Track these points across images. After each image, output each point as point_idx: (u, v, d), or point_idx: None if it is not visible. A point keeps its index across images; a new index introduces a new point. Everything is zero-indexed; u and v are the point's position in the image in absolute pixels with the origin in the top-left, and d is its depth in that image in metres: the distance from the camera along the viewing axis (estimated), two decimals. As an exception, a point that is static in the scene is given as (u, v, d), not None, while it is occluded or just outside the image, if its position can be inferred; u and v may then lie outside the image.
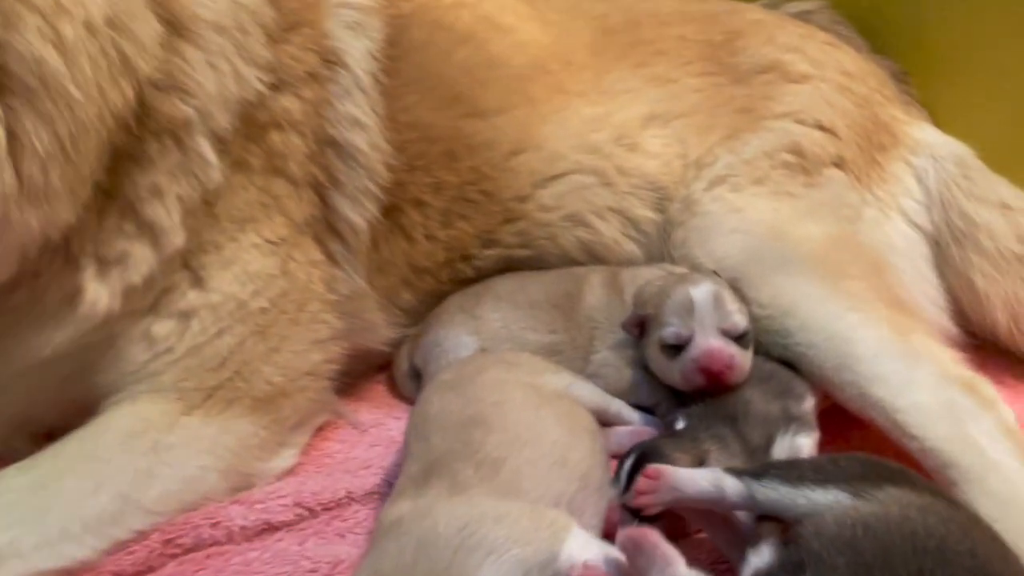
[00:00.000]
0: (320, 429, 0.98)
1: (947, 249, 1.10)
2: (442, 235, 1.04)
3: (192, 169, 0.83)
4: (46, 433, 0.88)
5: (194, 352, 0.84)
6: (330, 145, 0.94)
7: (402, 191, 1.01)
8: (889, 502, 0.61)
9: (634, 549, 0.59)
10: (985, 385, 0.87)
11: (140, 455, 0.78)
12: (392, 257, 1.02)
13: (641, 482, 0.68)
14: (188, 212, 0.83)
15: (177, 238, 0.82)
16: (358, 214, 0.97)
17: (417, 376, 1.05)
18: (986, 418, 0.81)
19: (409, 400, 1.04)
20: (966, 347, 1.05)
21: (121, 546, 0.75)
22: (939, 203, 1.11)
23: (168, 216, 0.82)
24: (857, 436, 0.94)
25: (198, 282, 0.86)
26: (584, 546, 0.62)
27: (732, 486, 0.67)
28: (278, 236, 0.91)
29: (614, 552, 0.64)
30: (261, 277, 0.88)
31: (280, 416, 0.89)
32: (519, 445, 0.71)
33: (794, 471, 0.68)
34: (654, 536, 0.60)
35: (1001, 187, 1.11)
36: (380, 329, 1.04)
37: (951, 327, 1.07)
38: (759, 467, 0.73)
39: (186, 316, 0.84)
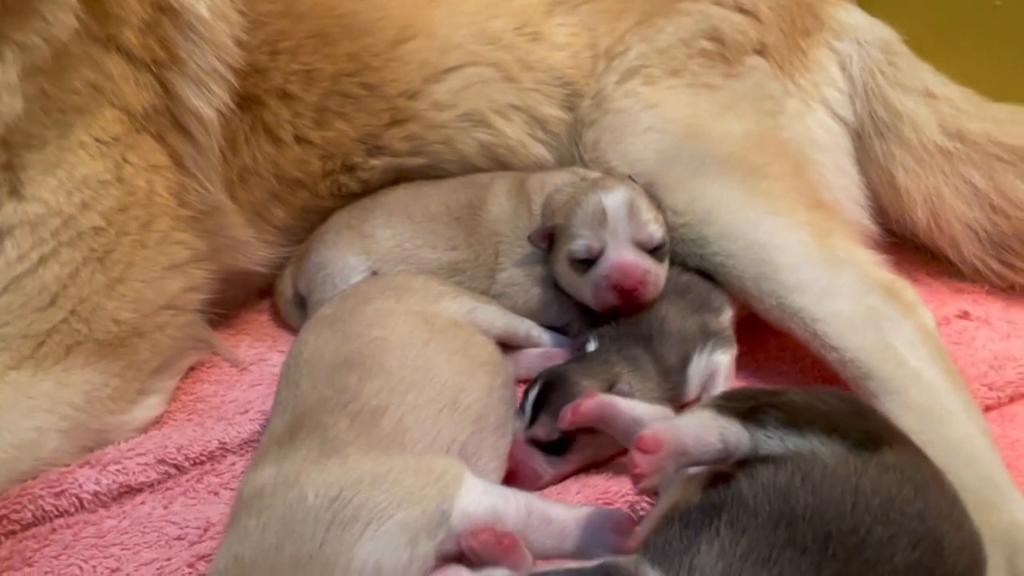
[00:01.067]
0: (191, 370, 0.87)
1: (869, 141, 1.04)
2: (316, 137, 0.90)
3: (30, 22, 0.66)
4: None
5: (15, 286, 0.70)
6: (166, 12, 0.77)
7: (263, 79, 0.86)
8: (880, 464, 0.53)
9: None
10: (905, 288, 0.83)
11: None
12: (256, 165, 0.87)
13: (636, 457, 0.54)
14: (26, 72, 0.67)
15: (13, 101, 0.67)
16: (205, 102, 0.81)
17: (303, 303, 0.94)
18: (906, 324, 0.77)
19: (296, 331, 0.93)
20: (883, 246, 1.02)
21: (-59, 528, 0.64)
22: (863, 93, 1.04)
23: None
24: (774, 346, 0.90)
25: (14, 190, 0.70)
26: (478, 499, 0.55)
27: (740, 437, 0.54)
28: (110, 134, 0.75)
29: (514, 501, 0.57)
30: (90, 185, 0.73)
31: (135, 360, 0.77)
32: (402, 390, 0.62)
33: (803, 415, 0.55)
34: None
35: (926, 74, 1.04)
36: (251, 248, 0.91)
37: (871, 225, 1.03)
38: (756, 407, 0.57)
39: None
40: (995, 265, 0.99)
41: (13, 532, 0.66)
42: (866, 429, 0.54)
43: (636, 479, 0.52)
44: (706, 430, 0.54)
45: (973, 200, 0.98)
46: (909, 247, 1.04)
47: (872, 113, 1.04)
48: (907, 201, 1.01)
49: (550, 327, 0.89)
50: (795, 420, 0.53)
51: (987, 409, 0.81)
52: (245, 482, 0.59)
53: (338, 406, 0.59)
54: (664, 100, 0.93)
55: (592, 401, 0.65)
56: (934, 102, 1.03)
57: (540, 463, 0.71)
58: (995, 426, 0.79)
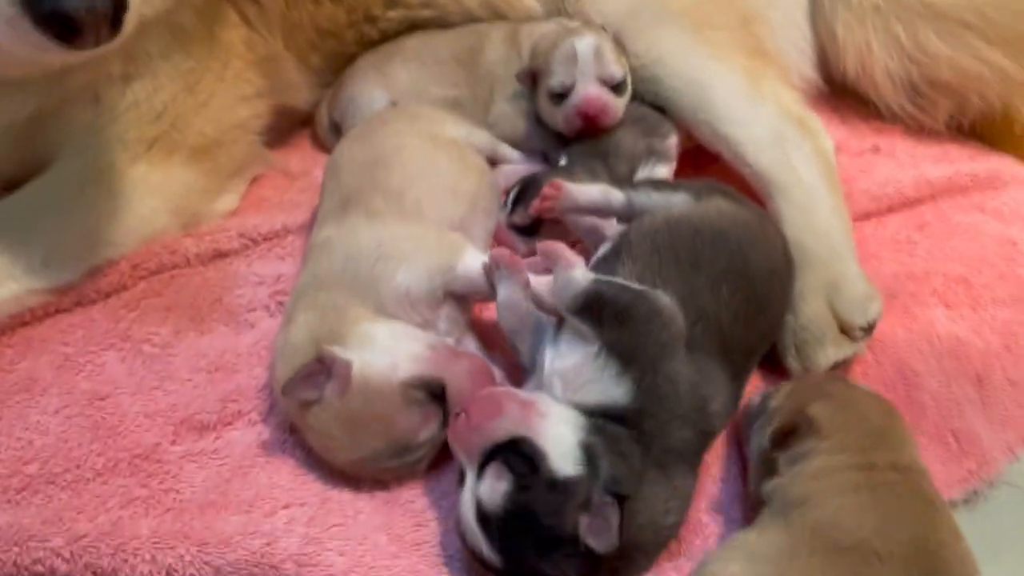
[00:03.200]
0: (255, 179, 1.12)
1: (821, 2, 1.21)
2: None
3: None
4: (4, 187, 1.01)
5: (134, 108, 0.95)
6: None
7: None
8: (710, 207, 0.80)
9: (547, 254, 0.75)
10: (813, 119, 1.04)
11: (100, 198, 0.92)
12: (300, 20, 1.08)
13: (546, 190, 0.84)
14: None
15: None
16: None
17: (337, 129, 1.18)
18: (806, 145, 0.98)
19: (330, 150, 1.18)
20: (822, 91, 1.22)
21: (96, 270, 0.92)
22: (818, -42, 1.20)
23: None
24: (710, 171, 1.12)
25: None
26: (475, 260, 0.80)
27: (616, 195, 0.84)
28: (205, 2, 0.98)
29: None
30: (190, 38, 0.96)
31: (216, 165, 1.03)
32: (417, 178, 0.87)
33: (662, 184, 0.88)
34: (558, 247, 0.75)
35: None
36: (300, 89, 1.14)
37: (812, 73, 1.22)
38: (637, 182, 0.92)
39: (127, 77, 0.93)
40: (909, 107, 1.18)
41: (144, 277, 0.94)
42: (706, 187, 0.81)
43: (544, 209, 0.83)
44: (594, 190, 0.84)
45: (895, 51, 1.16)
46: (840, 92, 1.24)
47: None
48: (843, 52, 1.19)
49: (531, 152, 1.13)
50: (658, 185, 0.79)
51: (868, 215, 1.05)
52: (313, 238, 0.85)
53: (373, 189, 0.84)
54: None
55: (552, 185, 0.89)
56: (876, -35, 1.19)
57: (516, 242, 0.96)
58: (874, 227, 1.04)
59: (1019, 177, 1.11)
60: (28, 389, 0.81)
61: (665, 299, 0.69)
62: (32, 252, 0.87)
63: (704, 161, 1.08)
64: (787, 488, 0.67)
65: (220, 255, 0.98)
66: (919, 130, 1.20)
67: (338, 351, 0.68)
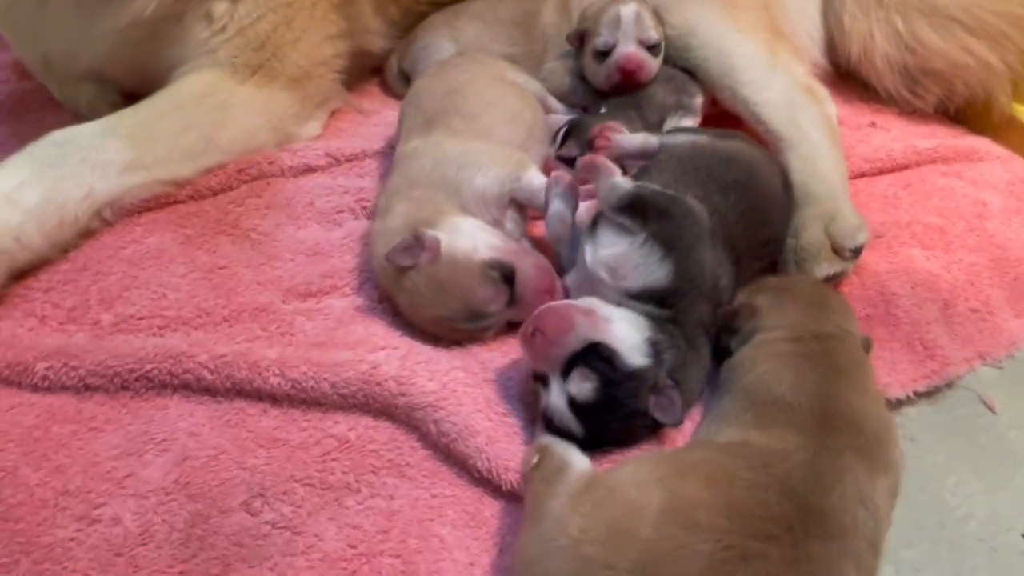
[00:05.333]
0: (333, 114, 1.29)
1: None
2: None
3: None
4: (121, 102, 1.17)
5: (241, 34, 1.11)
6: None
7: None
8: (729, 142, 0.98)
9: (590, 167, 0.91)
10: (819, 88, 1.21)
11: (213, 109, 1.08)
12: None
13: (599, 141, 1.01)
14: None
15: None
16: None
17: (405, 78, 1.35)
18: (812, 109, 1.16)
19: (398, 97, 1.35)
20: (829, 74, 1.39)
21: (207, 171, 1.08)
22: (832, -47, 1.37)
23: None
24: (729, 126, 1.29)
25: None
26: (536, 175, 0.97)
27: (653, 140, 1.01)
28: None
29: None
30: None
31: (307, 94, 1.19)
32: (487, 106, 1.03)
33: (690, 129, 1.08)
34: (601, 159, 0.92)
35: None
36: (376, 36, 1.31)
37: (820, 58, 1.39)
38: (669, 130, 1.11)
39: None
40: (903, 91, 1.36)
41: (246, 180, 1.10)
42: (727, 132, 1.00)
43: (597, 150, 0.98)
44: (637, 137, 1.00)
45: (894, 41, 1.34)
46: (843, 76, 1.41)
47: None
48: (847, 40, 1.37)
49: (573, 106, 1.29)
50: (686, 131, 0.99)
51: (862, 174, 1.22)
52: (400, 150, 1.01)
53: (452, 112, 1.01)
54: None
55: (603, 136, 1.05)
56: (882, -35, 1.36)
57: (563, 171, 1.13)
58: (866, 184, 1.21)
59: (993, 154, 1.28)
60: (158, 257, 0.97)
61: (694, 201, 0.85)
62: (159, 148, 1.03)
63: (727, 127, 1.25)
64: (733, 362, 0.82)
65: (310, 169, 1.14)
66: (911, 112, 1.37)
67: (430, 231, 0.84)
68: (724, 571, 0.59)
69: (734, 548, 0.60)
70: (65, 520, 0.69)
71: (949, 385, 0.96)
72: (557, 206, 0.94)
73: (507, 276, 0.85)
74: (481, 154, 0.95)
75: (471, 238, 0.85)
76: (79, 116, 1.22)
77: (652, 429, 0.79)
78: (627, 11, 1.18)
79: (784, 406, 0.74)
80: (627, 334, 0.77)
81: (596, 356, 0.75)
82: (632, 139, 1.02)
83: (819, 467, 0.68)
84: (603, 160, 0.91)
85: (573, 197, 0.94)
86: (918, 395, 0.93)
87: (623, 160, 1.04)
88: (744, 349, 0.83)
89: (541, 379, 0.77)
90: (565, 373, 0.75)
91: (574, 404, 0.74)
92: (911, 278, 1.04)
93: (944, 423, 0.93)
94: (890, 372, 0.92)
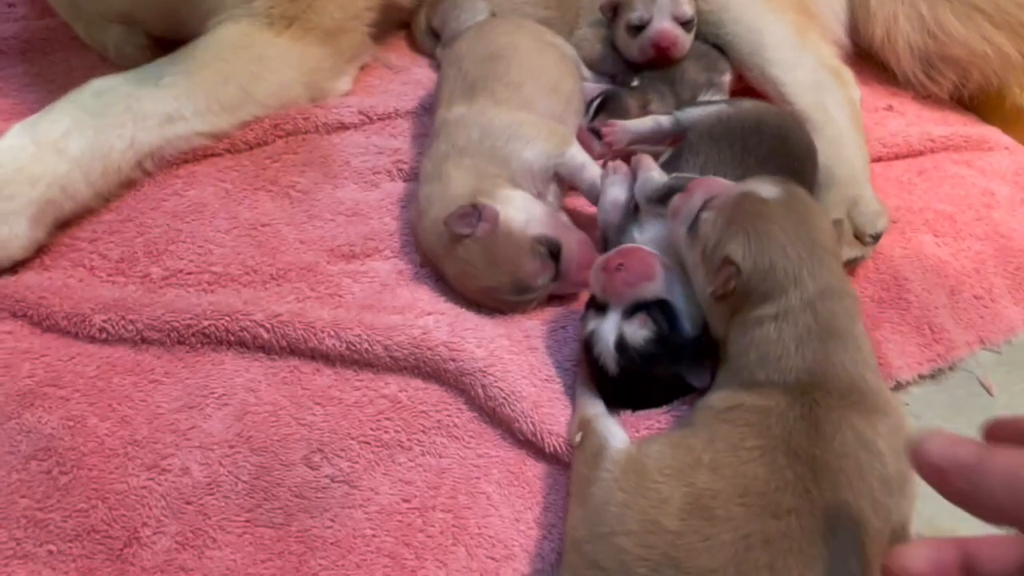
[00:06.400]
0: (362, 69, 1.29)
1: None
2: None
3: None
4: (153, 49, 1.16)
5: None
6: None
7: None
8: (747, 105, 1.01)
9: (636, 163, 0.94)
10: (846, 72, 1.24)
11: (250, 62, 1.08)
12: None
13: (606, 131, 1.04)
14: None
15: None
16: None
17: (434, 35, 1.34)
18: (839, 92, 1.19)
19: (426, 53, 1.35)
20: (850, 55, 1.41)
21: (243, 125, 1.08)
22: (861, -68, 1.38)
23: None
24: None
25: None
26: (579, 152, 0.99)
27: (664, 120, 1.04)
28: None
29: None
30: None
31: (339, 48, 1.19)
32: (529, 74, 1.04)
33: (700, 102, 1.10)
34: (646, 157, 0.95)
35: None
36: (406, -12, 1.30)
37: (844, 38, 1.41)
38: (679, 105, 1.12)
39: None
40: (922, 77, 1.39)
41: (281, 136, 1.10)
42: (738, 98, 1.05)
43: (606, 138, 1.01)
44: (645, 121, 1.03)
45: (917, 25, 1.36)
46: (868, 59, 1.44)
47: None
48: (872, 22, 1.39)
49: (603, 74, 1.30)
50: (697, 103, 1.03)
51: (879, 158, 1.26)
52: (444, 115, 1.01)
53: (496, 79, 1.01)
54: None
55: (608, 124, 1.06)
56: (911, -52, 1.38)
57: (593, 143, 1.15)
58: (882, 169, 1.25)
59: (1003, 144, 1.33)
60: (200, 212, 0.98)
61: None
62: (199, 99, 1.03)
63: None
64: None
65: (343, 127, 1.14)
66: (927, 97, 1.41)
67: (488, 202, 0.87)
68: (749, 559, 0.61)
69: (753, 534, 0.62)
70: (136, 469, 0.72)
71: (951, 367, 1.02)
72: (615, 193, 0.96)
73: (554, 252, 0.88)
74: (528, 126, 0.96)
75: (524, 212, 0.88)
76: (104, 57, 1.20)
77: (674, 393, 0.82)
78: (663, -15, 1.18)
79: (773, 373, 0.73)
80: (686, 304, 0.81)
81: (660, 311, 0.79)
82: (639, 124, 1.04)
83: (815, 420, 0.68)
84: (642, 157, 0.94)
85: (629, 187, 0.97)
86: (922, 376, 1.00)
87: (636, 144, 1.06)
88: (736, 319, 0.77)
89: (597, 307, 0.81)
90: (627, 314, 0.79)
91: (621, 345, 0.78)
92: (922, 263, 1.09)
93: (946, 402, 0.99)
94: (900, 355, 0.98)
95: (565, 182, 1.01)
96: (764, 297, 0.74)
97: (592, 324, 0.81)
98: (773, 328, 0.73)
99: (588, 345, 0.80)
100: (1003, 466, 0.45)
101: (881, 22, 1.38)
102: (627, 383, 0.80)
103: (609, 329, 0.79)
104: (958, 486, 0.46)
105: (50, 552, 0.66)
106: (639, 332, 0.78)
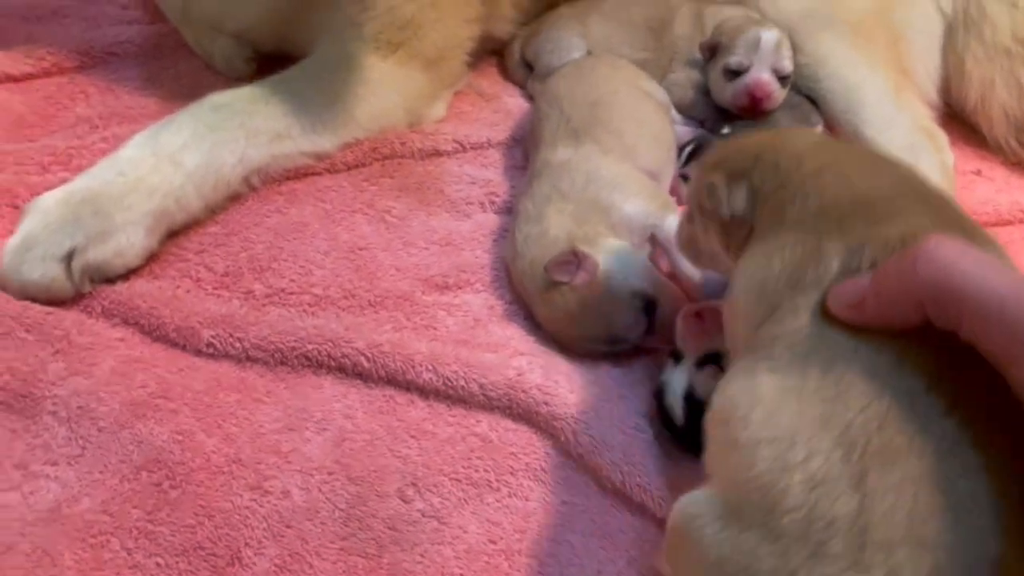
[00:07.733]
0: (454, 95, 1.30)
1: (955, 33, 1.38)
2: None
3: None
4: (259, 61, 1.19)
5: (389, 12, 1.12)
6: None
7: None
8: None
9: None
10: (941, 136, 1.23)
11: (356, 84, 1.10)
12: None
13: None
14: None
15: None
16: None
17: (527, 66, 1.36)
18: (934, 157, 1.18)
19: (517, 83, 1.36)
20: (941, 115, 1.40)
21: (345, 147, 1.11)
22: (964, -5, 1.37)
23: None
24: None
25: None
26: (676, 222, 0.98)
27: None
28: None
29: None
30: None
31: (439, 75, 1.21)
32: (631, 123, 1.05)
33: None
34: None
35: (1015, -13, 1.36)
36: (507, 22, 1.32)
37: (935, 97, 1.40)
38: None
39: None
40: (1014, 144, 1.36)
41: (379, 159, 1.12)
42: None
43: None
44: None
45: (1015, 92, 1.34)
46: (957, 120, 1.42)
47: (966, 11, 1.37)
48: (967, 84, 1.37)
49: (692, 119, 1.31)
50: None
51: (966, 226, 1.25)
52: (547, 155, 1.01)
53: (601, 127, 1.02)
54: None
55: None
56: (1015, 11, 1.36)
57: (683, 188, 1.16)
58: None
59: (1091, 219, 1.31)
60: (300, 231, 1.00)
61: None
62: (304, 119, 1.05)
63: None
64: None
65: (437, 154, 1.16)
66: (1016, 163, 1.39)
67: (588, 251, 0.88)
68: None
69: None
70: (239, 488, 0.74)
71: None
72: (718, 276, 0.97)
73: (649, 306, 0.88)
74: (634, 182, 0.97)
75: (624, 265, 0.88)
76: (210, 66, 1.24)
77: None
78: (768, 37, 1.18)
79: None
80: None
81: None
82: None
83: None
84: None
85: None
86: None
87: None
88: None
89: (675, 357, 0.82)
90: (699, 364, 0.80)
91: (690, 396, 0.79)
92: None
93: None
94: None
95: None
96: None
97: (666, 374, 0.82)
98: None
99: (659, 393, 0.82)
100: (882, 275, 0.56)
101: (976, 85, 1.37)
102: (694, 432, 0.80)
103: (680, 378, 0.80)
104: (871, 313, 0.55)
105: (158, 565, 0.69)
106: (708, 384, 0.78)
